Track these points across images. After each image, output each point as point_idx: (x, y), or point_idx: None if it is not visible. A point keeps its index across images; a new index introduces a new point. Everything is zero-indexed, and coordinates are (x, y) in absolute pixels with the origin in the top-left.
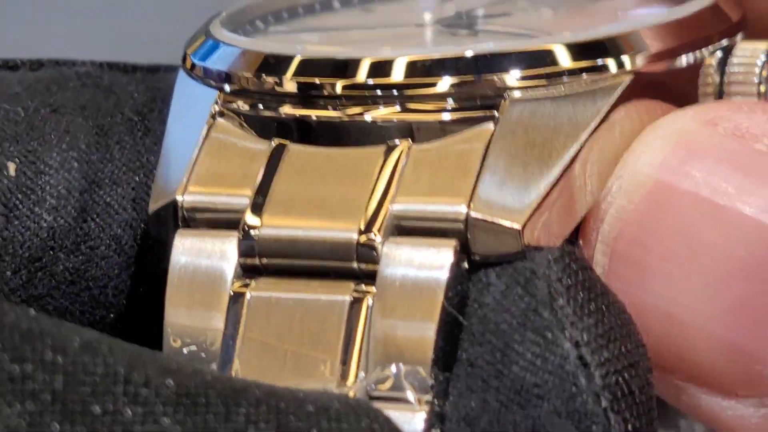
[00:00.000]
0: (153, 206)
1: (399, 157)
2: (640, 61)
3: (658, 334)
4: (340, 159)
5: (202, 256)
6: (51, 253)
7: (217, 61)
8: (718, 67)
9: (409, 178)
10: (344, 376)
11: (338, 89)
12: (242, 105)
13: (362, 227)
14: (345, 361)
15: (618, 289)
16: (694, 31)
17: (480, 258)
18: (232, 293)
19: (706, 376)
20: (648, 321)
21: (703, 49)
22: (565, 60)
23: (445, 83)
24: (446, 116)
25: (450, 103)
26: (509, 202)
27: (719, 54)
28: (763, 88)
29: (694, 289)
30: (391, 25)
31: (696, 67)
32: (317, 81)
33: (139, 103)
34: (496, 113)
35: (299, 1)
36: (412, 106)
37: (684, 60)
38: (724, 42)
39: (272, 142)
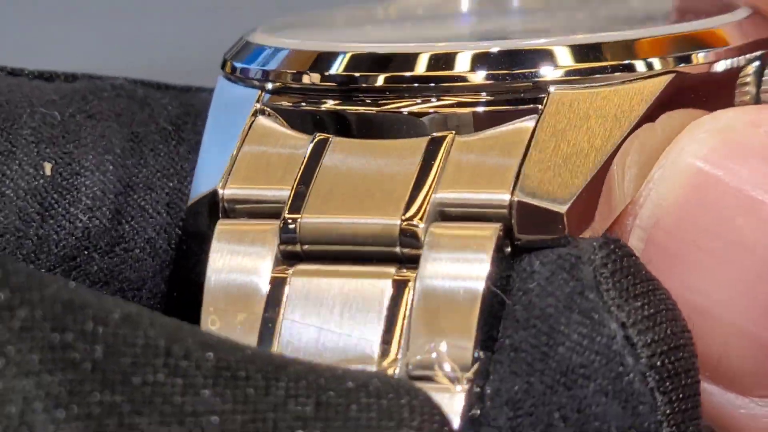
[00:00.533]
0: (193, 197)
1: (443, 148)
2: (681, 62)
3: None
4: (382, 150)
5: (242, 243)
6: (86, 253)
7: (262, 62)
8: (756, 76)
9: (452, 168)
10: (385, 355)
11: (380, 82)
12: (284, 102)
13: (405, 214)
14: (387, 341)
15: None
16: (735, 39)
17: (524, 243)
18: (272, 278)
19: (728, 372)
20: None
21: (741, 57)
22: (608, 56)
23: (481, 76)
24: (483, 109)
25: (489, 95)
26: (552, 189)
27: (757, 63)
28: None
29: (729, 283)
30: (430, 38)
31: (734, 74)
32: (357, 74)
33: (173, 115)
34: (539, 106)
35: (335, 20)
36: (451, 99)
37: (723, 65)
38: (762, 51)
39: (314, 136)
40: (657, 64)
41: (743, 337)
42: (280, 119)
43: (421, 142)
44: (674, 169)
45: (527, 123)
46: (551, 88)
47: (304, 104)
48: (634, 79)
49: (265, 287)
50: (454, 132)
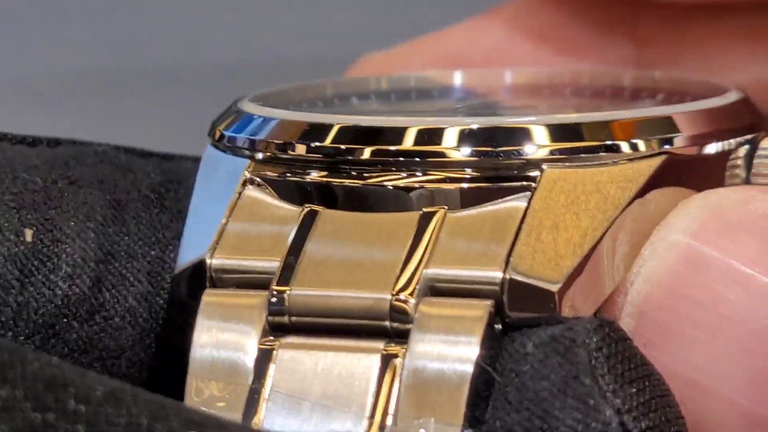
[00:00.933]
0: (180, 266)
1: (434, 224)
2: (675, 142)
3: (678, 399)
4: (373, 224)
5: (229, 316)
6: (65, 321)
7: (251, 132)
8: (746, 159)
9: (443, 244)
10: (371, 429)
11: (366, 155)
12: (272, 172)
13: (395, 289)
14: (372, 415)
15: (643, 352)
16: (725, 121)
17: (514, 321)
18: (259, 350)
19: None
20: (669, 383)
21: (731, 140)
22: (601, 136)
23: (467, 152)
24: (471, 185)
25: (476, 171)
26: (545, 267)
27: (747, 146)
28: None
29: (720, 358)
30: (419, 112)
31: (724, 157)
32: (343, 147)
33: (156, 182)
34: (532, 184)
35: (325, 91)
36: (438, 174)
37: (714, 147)
38: (752, 135)
39: (304, 208)
40: (642, 145)
41: (735, 411)
42: (269, 189)
43: (413, 217)
44: (664, 246)
45: (519, 201)
46: (544, 166)
47: (290, 175)
48: (627, 160)
49: (251, 360)
50: (445, 207)
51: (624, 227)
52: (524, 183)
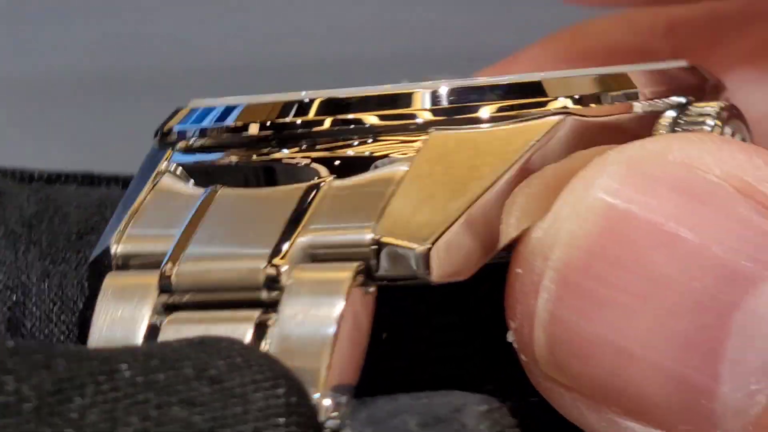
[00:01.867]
0: (91, 257)
1: (317, 193)
2: (578, 103)
3: (605, 365)
4: (263, 198)
5: (124, 295)
6: None
7: (169, 121)
8: (669, 128)
9: (321, 211)
10: None
11: (254, 130)
12: (189, 159)
13: (271, 259)
14: None
15: (567, 318)
16: (647, 85)
17: (387, 281)
18: (148, 326)
19: (649, 410)
20: (595, 351)
21: (653, 101)
22: (492, 97)
23: (373, 119)
24: (362, 153)
25: (372, 139)
26: (414, 228)
27: (672, 113)
28: None
29: (646, 321)
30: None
31: (648, 123)
32: (234, 125)
33: (28, 214)
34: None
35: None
36: (332, 144)
37: (638, 107)
38: (681, 101)
39: (206, 190)
40: (550, 105)
41: (662, 374)
42: (185, 176)
43: (300, 188)
44: (583, 206)
45: (402, 166)
46: (431, 130)
47: (202, 160)
48: (521, 121)
49: (140, 338)
50: (333, 177)
51: (520, 190)
52: (414, 147)
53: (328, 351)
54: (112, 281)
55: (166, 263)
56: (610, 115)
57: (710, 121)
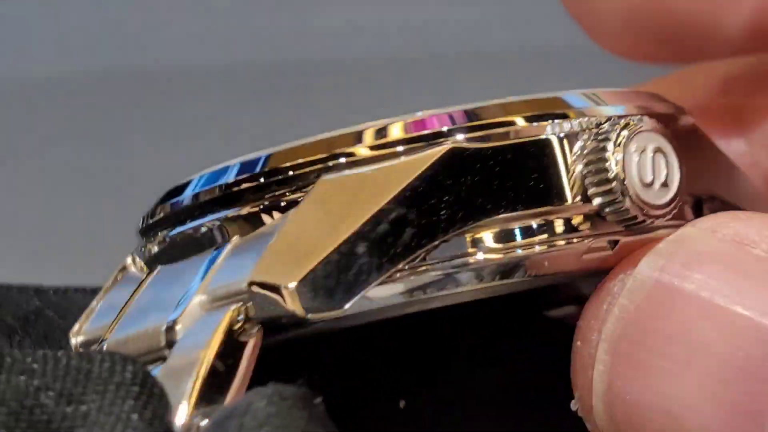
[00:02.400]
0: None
1: (220, 253)
2: (457, 135)
3: (657, 430)
4: (179, 269)
5: None
6: None
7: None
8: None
9: (220, 267)
10: None
11: (165, 211)
12: (144, 246)
13: (170, 321)
14: None
15: (620, 387)
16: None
17: (264, 322)
18: None
19: None
20: (648, 418)
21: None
22: (373, 141)
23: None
24: (254, 209)
25: (266, 198)
26: (285, 268)
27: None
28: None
29: (693, 388)
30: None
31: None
32: (155, 208)
33: (24, 312)
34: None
35: None
36: (231, 208)
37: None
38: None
39: (149, 271)
40: (429, 138)
41: None
42: (140, 264)
43: (207, 253)
44: (634, 283)
45: (292, 213)
46: (323, 176)
47: (149, 244)
48: (402, 156)
49: None
50: (237, 236)
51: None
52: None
53: (191, 383)
54: None
55: (99, 343)
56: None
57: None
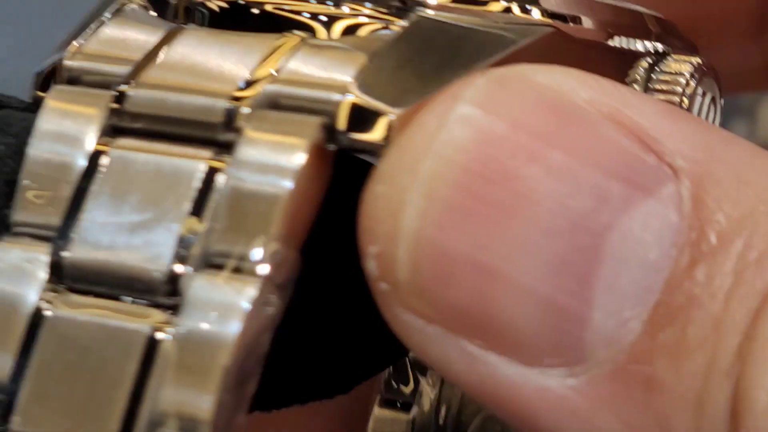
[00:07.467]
0: (39, 69)
1: (290, 46)
2: (560, 19)
3: (469, 289)
4: (235, 41)
5: (71, 111)
6: None
7: None
8: (648, 70)
9: (294, 65)
10: (187, 247)
11: None
12: None
13: (231, 98)
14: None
15: (431, 235)
16: (631, 21)
17: (345, 144)
18: (94, 149)
19: (514, 340)
20: (461, 273)
21: (638, 42)
22: None
23: None
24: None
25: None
26: (385, 96)
27: (649, 59)
28: (686, 102)
29: (517, 240)
30: None
31: (628, 59)
32: None
33: None
34: (405, 23)
35: None
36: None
37: (616, 41)
38: (659, 47)
39: (175, 23)
40: (536, 14)
41: (530, 297)
42: (150, 8)
43: (275, 37)
44: (451, 118)
45: (384, 34)
46: (418, 10)
47: None
48: (510, 23)
49: (83, 158)
50: (312, 34)
51: None
52: (398, 21)
53: (282, 205)
54: (59, 94)
55: (123, 84)
56: (590, 37)
57: (683, 79)
